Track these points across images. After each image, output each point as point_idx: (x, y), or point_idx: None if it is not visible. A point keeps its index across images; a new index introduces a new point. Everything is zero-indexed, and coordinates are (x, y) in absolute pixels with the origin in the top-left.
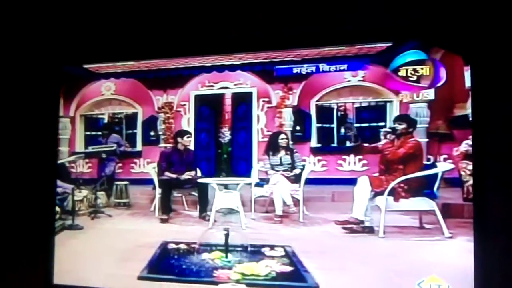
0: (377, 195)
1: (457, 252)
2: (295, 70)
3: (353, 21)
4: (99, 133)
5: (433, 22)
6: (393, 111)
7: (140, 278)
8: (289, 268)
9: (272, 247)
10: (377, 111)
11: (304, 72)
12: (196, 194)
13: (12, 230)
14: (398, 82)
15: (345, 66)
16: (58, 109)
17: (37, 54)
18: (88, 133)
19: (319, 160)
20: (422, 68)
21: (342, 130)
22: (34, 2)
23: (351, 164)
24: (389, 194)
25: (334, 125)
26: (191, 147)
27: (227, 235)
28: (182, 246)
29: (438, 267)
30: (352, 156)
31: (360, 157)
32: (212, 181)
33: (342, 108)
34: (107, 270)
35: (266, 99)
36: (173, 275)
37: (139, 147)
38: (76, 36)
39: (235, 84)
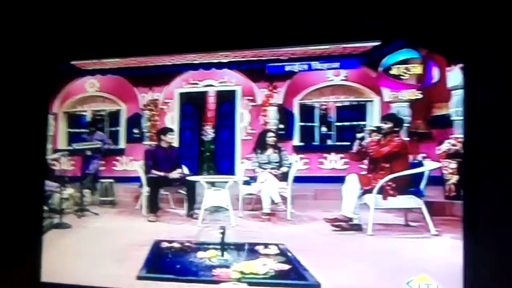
0: (365, 193)
1: (444, 249)
2: (287, 68)
3: (343, 20)
4: (82, 130)
5: (420, 21)
6: (373, 110)
7: (140, 278)
8: (286, 266)
9: (266, 245)
10: (358, 110)
11: (296, 70)
12: (183, 192)
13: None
14: (390, 81)
15: (337, 64)
16: (47, 107)
17: (28, 52)
18: (71, 130)
19: (301, 158)
20: (414, 67)
21: (323, 129)
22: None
23: (332, 162)
24: (377, 192)
25: (316, 124)
26: (175, 144)
27: (223, 234)
28: (176, 245)
29: (427, 264)
30: (333, 154)
31: (341, 155)
32: (201, 179)
33: (323, 107)
34: (100, 270)
35: (250, 98)
36: (171, 275)
37: (122, 144)
38: (66, 33)
39: (220, 82)
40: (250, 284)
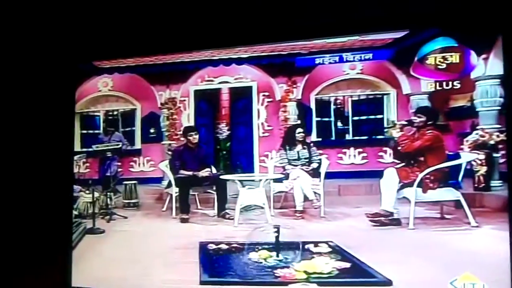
0: (403, 187)
1: (487, 240)
2: (317, 61)
3: (364, 10)
4: (96, 131)
5: (448, 9)
6: (390, 103)
7: (204, 282)
8: (347, 264)
9: (316, 243)
10: (375, 104)
11: (327, 62)
12: (212, 192)
13: (28, 233)
14: (426, 70)
15: (370, 55)
16: (74, 107)
17: (49, 53)
18: (84, 131)
19: (320, 154)
20: (451, 56)
21: (339, 124)
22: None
23: (351, 157)
24: (417, 186)
25: (332, 119)
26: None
27: (278, 233)
28: (223, 246)
29: (474, 256)
30: (352, 149)
31: (360, 150)
32: (235, 178)
33: (338, 101)
34: (152, 276)
35: (267, 93)
36: (231, 278)
37: (138, 145)
38: (87, 33)
39: (235, 79)
40: (320, 284)
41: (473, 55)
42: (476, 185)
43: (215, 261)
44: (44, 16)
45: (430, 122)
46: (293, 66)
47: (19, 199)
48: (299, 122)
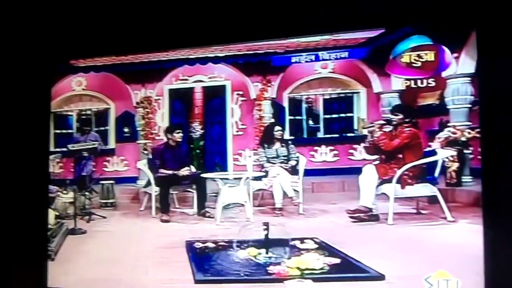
0: (382, 183)
1: (464, 234)
2: (293, 59)
3: (341, 9)
4: (70, 131)
5: (422, 7)
6: (360, 101)
7: (199, 281)
8: (337, 260)
9: (302, 240)
10: (345, 102)
11: (303, 61)
12: (192, 190)
13: (3, 234)
14: (401, 68)
15: (346, 54)
16: (49, 107)
17: (24, 52)
18: (58, 131)
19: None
20: (426, 54)
21: (310, 122)
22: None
23: (322, 155)
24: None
25: (304, 117)
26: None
27: (267, 230)
28: (210, 245)
29: (455, 249)
30: (323, 146)
31: (331, 147)
32: (216, 176)
33: (309, 100)
34: (144, 275)
35: (241, 92)
36: (222, 276)
37: (112, 144)
38: (63, 32)
39: (209, 78)
40: (314, 280)
41: (447, 53)
42: (448, 180)
43: (205, 259)
44: (19, 15)
45: (407, 120)
46: (269, 65)
47: None
48: (273, 120)
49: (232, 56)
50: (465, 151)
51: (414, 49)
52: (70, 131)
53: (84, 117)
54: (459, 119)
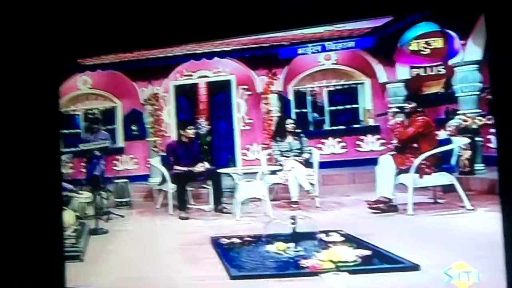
0: (400, 173)
1: (485, 222)
2: (300, 51)
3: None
4: (78, 130)
5: None
6: (365, 92)
7: (234, 277)
8: (368, 252)
9: (327, 232)
10: (350, 94)
11: (309, 52)
12: (207, 186)
13: (19, 235)
14: (409, 57)
15: (352, 44)
16: (58, 107)
17: (33, 52)
18: (65, 131)
19: None
20: (434, 41)
21: (315, 115)
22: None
23: (330, 147)
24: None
25: (309, 110)
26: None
27: (295, 224)
28: (236, 240)
29: (478, 237)
30: (330, 139)
31: (339, 139)
32: (233, 171)
33: (314, 92)
34: (178, 273)
35: (246, 87)
36: (259, 271)
37: (120, 143)
38: (69, 32)
39: (214, 73)
40: (350, 272)
41: (456, 39)
42: (461, 169)
43: (235, 255)
44: (26, 15)
45: (419, 109)
46: (276, 57)
47: (6, 201)
48: (279, 114)
49: (239, 50)
50: (477, 139)
51: (422, 36)
52: (77, 130)
53: (91, 116)
54: (468, 106)
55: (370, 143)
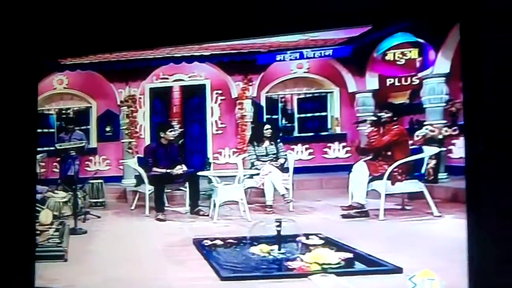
0: (372, 180)
1: (452, 229)
2: (278, 58)
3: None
4: (51, 130)
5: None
6: (333, 101)
7: (225, 278)
8: (349, 254)
9: (307, 236)
10: (319, 102)
11: (287, 59)
12: (184, 189)
13: None
14: (385, 66)
15: (330, 52)
16: (36, 105)
17: (14, 50)
18: (39, 130)
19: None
20: (410, 51)
21: (284, 121)
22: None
23: (298, 153)
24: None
25: (279, 116)
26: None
27: (280, 227)
28: (218, 242)
29: (445, 242)
30: (299, 145)
31: (307, 146)
32: (211, 174)
33: (284, 99)
34: (166, 274)
35: (220, 91)
36: (247, 273)
37: (93, 144)
38: (51, 31)
39: (190, 76)
40: (336, 274)
41: (431, 51)
42: (425, 177)
43: (221, 256)
44: (9, 12)
45: (395, 118)
46: (254, 63)
47: None
48: (251, 120)
49: (218, 55)
50: (441, 149)
51: (398, 46)
52: (51, 130)
53: (65, 116)
54: (435, 117)
55: (336, 151)
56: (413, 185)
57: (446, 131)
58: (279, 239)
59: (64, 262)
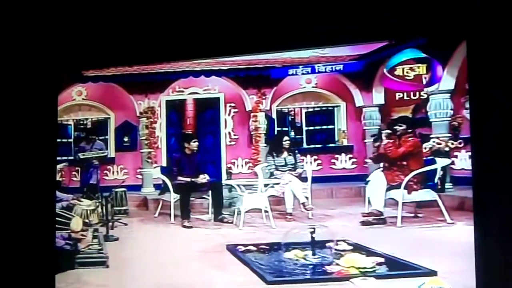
0: (390, 189)
1: (463, 236)
2: (290, 72)
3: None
4: (70, 140)
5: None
6: (340, 115)
7: (271, 282)
8: (381, 259)
9: (336, 242)
10: (326, 115)
11: (300, 74)
12: (206, 197)
13: (12, 242)
14: (394, 81)
15: (341, 67)
16: (56, 116)
17: (36, 60)
18: (58, 140)
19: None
20: (418, 67)
21: (293, 133)
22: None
23: (307, 163)
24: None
25: (288, 129)
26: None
27: (313, 233)
28: (252, 248)
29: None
30: (308, 156)
31: (315, 157)
32: (236, 183)
33: (292, 112)
34: (206, 278)
35: (233, 104)
36: (292, 276)
37: (111, 153)
38: (73, 42)
39: (204, 90)
40: (377, 277)
41: (439, 67)
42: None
43: (260, 261)
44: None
45: (409, 130)
46: (268, 78)
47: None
48: (264, 132)
49: (235, 69)
50: (451, 160)
51: (406, 62)
52: (69, 140)
53: (82, 126)
54: (441, 131)
55: (343, 162)
56: (427, 194)
57: (452, 143)
58: (313, 245)
59: (106, 268)
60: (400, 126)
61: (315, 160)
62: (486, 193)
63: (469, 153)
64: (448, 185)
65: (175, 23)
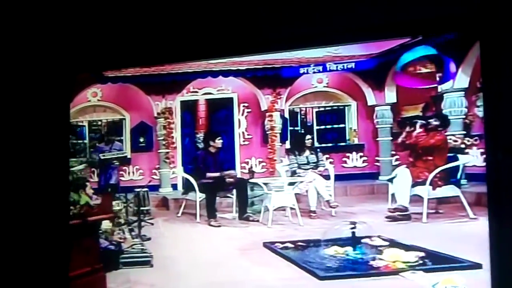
0: (415, 185)
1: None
2: (301, 70)
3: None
4: (85, 141)
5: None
6: (351, 114)
7: (323, 278)
8: (422, 253)
9: (370, 238)
10: (337, 115)
11: (311, 72)
12: (231, 196)
13: (27, 242)
14: (407, 79)
15: (352, 65)
16: (69, 117)
17: (50, 61)
18: (73, 141)
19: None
20: (431, 64)
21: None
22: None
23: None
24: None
25: (299, 128)
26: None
27: (354, 229)
28: (289, 245)
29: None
30: (320, 154)
31: (327, 156)
32: (262, 181)
33: (303, 112)
34: (252, 276)
35: (246, 104)
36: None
37: (127, 154)
38: (87, 43)
39: (218, 90)
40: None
41: (452, 65)
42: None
43: (304, 258)
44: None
45: (440, 128)
46: (281, 78)
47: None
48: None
49: (252, 69)
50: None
51: (419, 59)
52: (84, 141)
53: (96, 127)
54: (456, 128)
55: (354, 160)
56: (451, 190)
57: (468, 140)
58: (354, 241)
59: (151, 267)
60: (436, 121)
61: (327, 158)
62: (499, 189)
63: (480, 150)
64: (463, 181)
65: (192, 24)
